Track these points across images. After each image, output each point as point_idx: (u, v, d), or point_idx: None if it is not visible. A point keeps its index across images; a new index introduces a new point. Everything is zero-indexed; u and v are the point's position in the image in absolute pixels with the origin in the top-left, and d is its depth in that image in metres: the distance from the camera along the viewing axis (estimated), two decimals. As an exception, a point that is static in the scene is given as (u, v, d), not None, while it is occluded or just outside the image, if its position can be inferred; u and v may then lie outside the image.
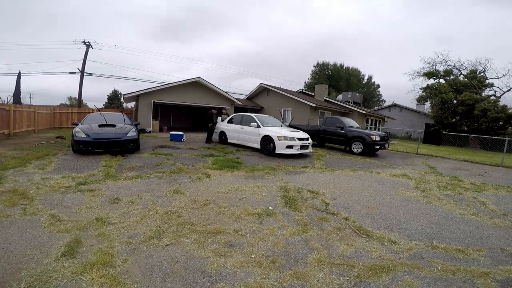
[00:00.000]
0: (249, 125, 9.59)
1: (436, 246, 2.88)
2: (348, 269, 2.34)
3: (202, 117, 10.50)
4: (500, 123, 20.85)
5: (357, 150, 10.32)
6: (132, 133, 7.65)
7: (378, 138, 10.08)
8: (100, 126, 7.65)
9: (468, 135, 15.96)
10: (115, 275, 2.04)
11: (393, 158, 10.46)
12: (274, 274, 2.20)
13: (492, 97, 23.59)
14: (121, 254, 2.35)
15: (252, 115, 10.05)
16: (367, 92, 46.26)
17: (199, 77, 16.78)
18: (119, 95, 44.51)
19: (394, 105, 32.09)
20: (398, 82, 73.22)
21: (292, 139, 8.36)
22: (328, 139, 11.72)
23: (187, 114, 22.65)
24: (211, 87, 17.54)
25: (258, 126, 9.27)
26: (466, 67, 24.95)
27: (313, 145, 10.25)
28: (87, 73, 21.50)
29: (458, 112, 22.58)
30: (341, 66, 45.42)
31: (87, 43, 21.62)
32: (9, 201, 3.42)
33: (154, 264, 2.24)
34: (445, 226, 3.50)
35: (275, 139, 8.37)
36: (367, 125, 22.19)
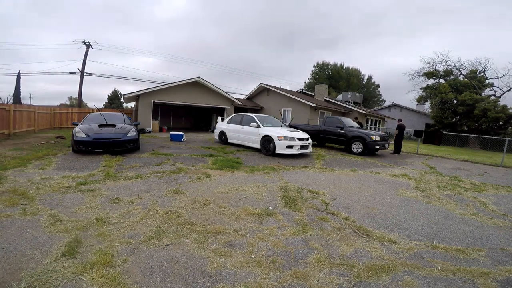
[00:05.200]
0: (249, 125, 9.59)
1: (436, 246, 2.88)
2: (348, 269, 2.34)
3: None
4: (500, 123, 20.88)
5: (357, 150, 10.32)
6: (132, 133, 7.65)
7: (378, 138, 10.09)
8: (100, 126, 7.65)
9: (468, 135, 15.96)
10: (115, 275, 2.04)
11: (393, 158, 10.46)
12: (274, 274, 2.20)
13: (492, 97, 23.61)
14: (121, 254, 2.35)
15: (252, 115, 10.05)
16: (367, 92, 46.26)
17: (199, 77, 16.79)
18: (119, 95, 44.55)
19: (394, 105, 32.09)
20: (398, 82, 73.27)
21: (292, 139, 8.36)
22: (328, 139, 11.73)
23: (187, 114, 22.66)
24: (211, 87, 17.54)
25: (258, 126, 9.27)
26: (466, 67, 25.01)
27: (313, 145, 10.25)
28: (87, 73, 21.51)
29: (458, 112, 22.60)
30: (341, 66, 45.43)
31: (87, 43, 21.62)
32: (9, 201, 3.42)
33: (154, 264, 2.24)
34: (445, 226, 3.50)
35: (275, 139, 8.37)
36: (367, 125, 22.20)
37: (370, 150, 10.18)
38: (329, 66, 45.44)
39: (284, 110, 19.74)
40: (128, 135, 7.50)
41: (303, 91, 26.41)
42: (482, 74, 24.79)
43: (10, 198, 3.52)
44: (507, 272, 2.43)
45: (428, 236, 3.16)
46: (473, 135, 16.20)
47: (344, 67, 45.56)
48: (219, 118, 12.12)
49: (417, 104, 30.36)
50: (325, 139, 11.83)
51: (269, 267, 2.30)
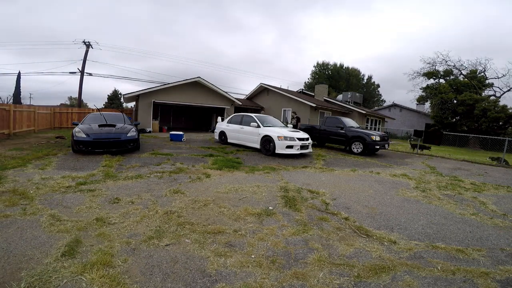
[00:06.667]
0: (249, 125, 9.59)
1: (436, 246, 2.88)
2: (348, 269, 2.34)
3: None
4: (500, 123, 20.87)
5: (357, 150, 10.32)
6: (132, 133, 7.65)
7: (378, 138, 10.08)
8: (100, 126, 7.65)
9: (468, 135, 15.95)
10: (115, 275, 2.04)
11: (393, 158, 10.46)
12: (274, 274, 2.20)
13: (492, 97, 23.62)
14: (121, 254, 2.35)
15: (252, 115, 10.05)
16: (367, 92, 46.27)
17: (199, 77, 16.79)
18: (119, 95, 44.50)
19: (394, 105, 32.11)
20: (398, 82, 73.24)
21: (292, 139, 8.36)
22: (328, 139, 11.73)
23: (187, 114, 22.65)
24: (211, 87, 17.54)
25: (258, 126, 9.27)
26: (466, 67, 25.00)
27: (313, 145, 10.26)
28: (87, 73, 21.50)
29: (458, 112, 22.60)
30: (341, 66, 45.45)
31: (87, 43, 21.62)
32: (9, 201, 3.42)
33: (154, 264, 2.24)
34: (445, 226, 3.50)
35: (275, 139, 8.37)
36: (367, 125, 22.20)
37: (370, 150, 10.18)
38: (329, 66, 45.46)
39: (284, 110, 19.75)
40: (128, 135, 7.50)
41: (303, 91, 26.43)
42: (482, 74, 24.79)
43: (10, 198, 3.52)
44: (507, 272, 2.42)
45: (428, 236, 3.16)
46: (473, 135, 16.19)
47: (344, 67, 45.59)
48: (219, 118, 12.12)
49: (417, 104, 30.38)
50: (325, 139, 11.83)
51: (269, 267, 2.30)
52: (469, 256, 2.72)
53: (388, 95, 70.85)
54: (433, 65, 25.70)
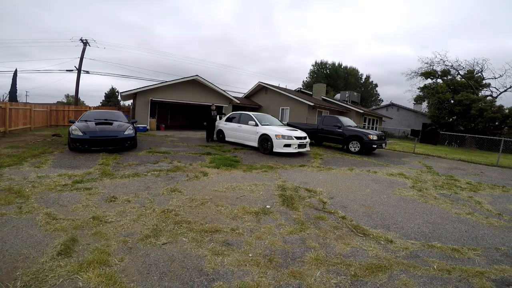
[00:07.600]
0: (247, 124, 9.58)
1: (432, 245, 2.90)
2: (345, 268, 2.35)
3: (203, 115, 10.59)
4: (496, 123, 21.06)
5: (355, 149, 10.36)
6: (129, 131, 7.61)
7: (375, 137, 10.12)
8: (97, 124, 7.60)
9: (464, 135, 16.07)
10: (111, 274, 2.03)
11: (390, 157, 10.51)
12: (272, 273, 2.20)
13: (489, 98, 23.77)
14: (117, 253, 2.34)
15: (250, 113, 10.02)
16: (365, 91, 46.41)
17: (197, 75, 16.71)
18: (117, 93, 44.24)
19: (392, 105, 32.24)
20: (396, 81, 73.49)
21: (289, 137, 8.37)
22: (325, 138, 11.76)
23: (185, 112, 22.57)
24: (209, 85, 17.47)
25: (256, 125, 9.26)
26: (463, 67, 25.12)
27: (310, 144, 10.27)
28: (84, 71, 21.33)
29: (455, 112, 22.76)
30: (339, 65, 45.53)
31: (84, 41, 21.43)
32: (4, 199, 3.39)
33: (151, 263, 2.23)
34: (441, 225, 3.52)
35: (273, 137, 8.37)
36: (365, 124, 22.29)
37: (367, 149, 10.22)
38: (327, 65, 45.50)
39: (282, 109, 19.75)
40: (125, 133, 7.45)
41: (301, 90, 26.44)
42: (479, 74, 24.94)
43: (6, 196, 3.49)
44: (501, 272, 2.45)
45: (424, 235, 3.18)
46: (469, 135, 16.32)
47: (342, 66, 45.68)
48: (217, 117, 12.09)
49: (414, 103, 30.54)
50: (323, 138, 11.85)
51: (267, 265, 2.30)
52: (464, 255, 2.74)
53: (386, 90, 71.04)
54: (430, 65, 25.83)
